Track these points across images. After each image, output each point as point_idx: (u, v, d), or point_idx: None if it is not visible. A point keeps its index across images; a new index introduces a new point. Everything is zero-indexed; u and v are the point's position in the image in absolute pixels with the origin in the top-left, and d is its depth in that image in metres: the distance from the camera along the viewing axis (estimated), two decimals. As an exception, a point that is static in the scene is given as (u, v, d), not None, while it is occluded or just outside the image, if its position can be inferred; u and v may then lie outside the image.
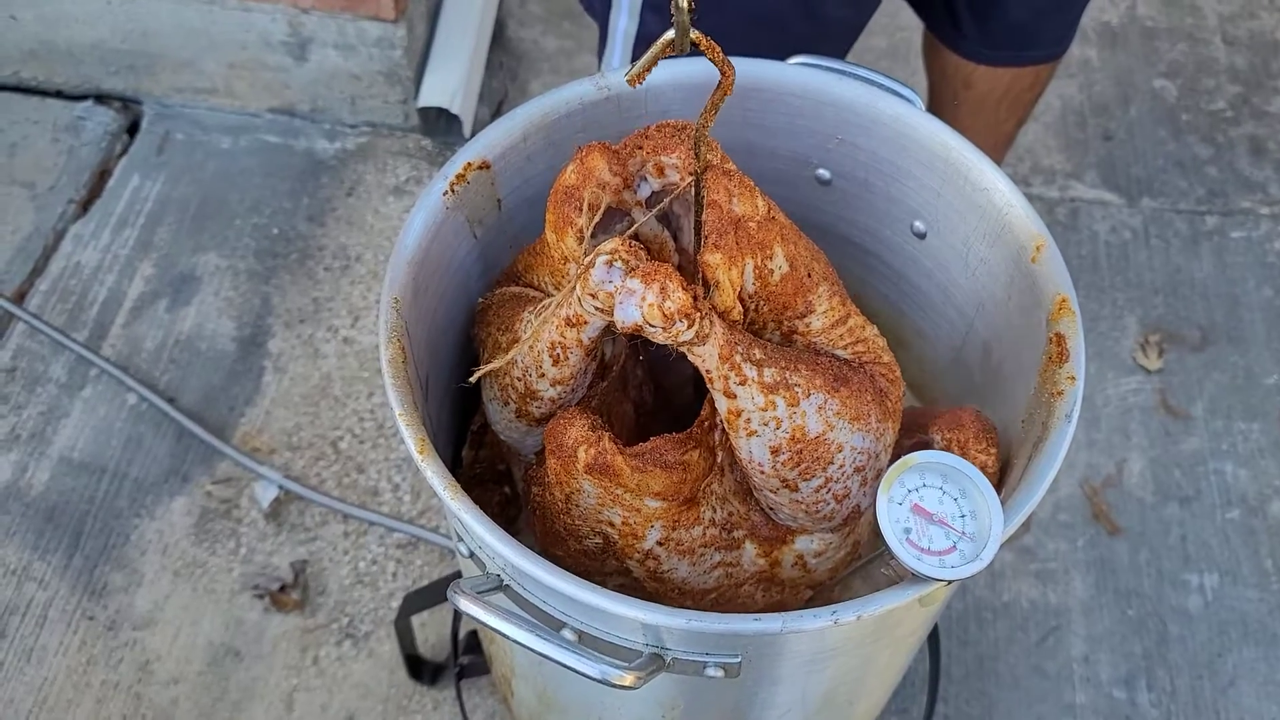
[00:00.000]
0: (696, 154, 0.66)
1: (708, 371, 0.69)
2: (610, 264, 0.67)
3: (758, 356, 0.69)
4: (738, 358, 0.68)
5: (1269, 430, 1.60)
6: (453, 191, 0.86)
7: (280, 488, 1.51)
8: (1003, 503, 0.73)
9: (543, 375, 0.75)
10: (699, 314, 0.66)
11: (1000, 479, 0.84)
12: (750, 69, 0.93)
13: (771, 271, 0.70)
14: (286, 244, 1.75)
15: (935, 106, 1.51)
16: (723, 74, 0.60)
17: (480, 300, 0.87)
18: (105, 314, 1.67)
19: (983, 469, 0.79)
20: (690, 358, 0.68)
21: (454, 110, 1.79)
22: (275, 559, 1.47)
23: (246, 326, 1.67)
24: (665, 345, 0.67)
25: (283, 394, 1.61)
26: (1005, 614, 1.45)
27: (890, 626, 0.80)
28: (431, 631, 1.42)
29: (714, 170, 0.69)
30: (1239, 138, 1.93)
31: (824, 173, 0.98)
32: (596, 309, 0.69)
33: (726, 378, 0.69)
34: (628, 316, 0.65)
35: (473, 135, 1.85)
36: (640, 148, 0.73)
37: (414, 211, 0.84)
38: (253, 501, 1.51)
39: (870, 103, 0.92)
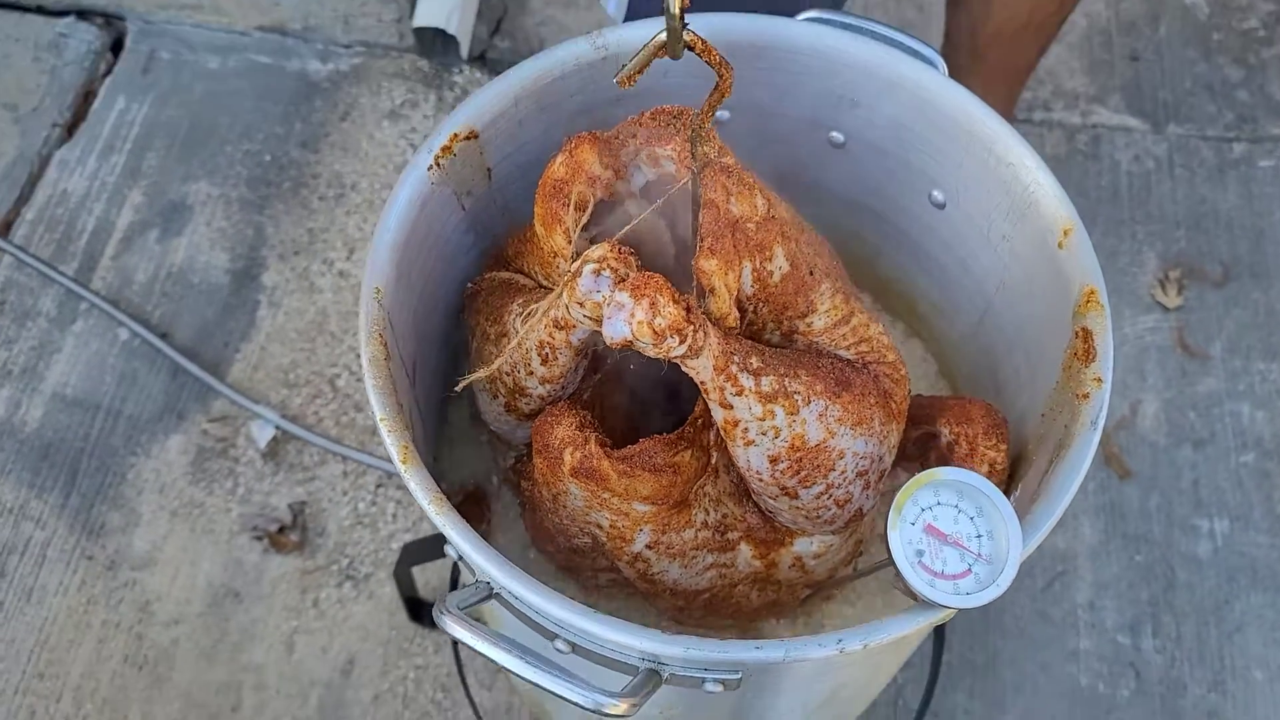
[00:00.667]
0: (693, 153, 0.61)
1: (702, 383, 0.65)
2: (598, 273, 0.62)
3: (755, 365, 0.65)
4: (733, 368, 0.64)
5: (1289, 371, 1.55)
6: (438, 165, 0.80)
7: (277, 428, 1.48)
8: (1015, 507, 0.70)
9: (531, 373, 0.71)
10: (692, 327, 0.61)
11: (1012, 472, 0.80)
12: (760, 26, 0.87)
13: (771, 273, 0.66)
14: (279, 171, 1.70)
15: (952, 37, 1.43)
16: (720, 76, 0.55)
17: (469, 285, 0.82)
18: (94, 245, 1.63)
19: (991, 465, 0.76)
20: (684, 369, 0.64)
21: (450, 30, 1.71)
22: (273, 499, 1.45)
23: (240, 259, 1.62)
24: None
25: (278, 329, 1.57)
26: (1011, 560, 1.43)
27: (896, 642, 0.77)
28: (433, 574, 1.40)
29: (712, 167, 0.64)
30: (1271, 59, 1.84)
31: (838, 135, 0.92)
32: (585, 317, 0.65)
33: (722, 389, 0.65)
34: (616, 332, 0.61)
35: (470, 55, 1.77)
36: (634, 136, 0.67)
37: (396, 190, 0.78)
38: (250, 440, 1.49)
39: (889, 64, 0.85)
